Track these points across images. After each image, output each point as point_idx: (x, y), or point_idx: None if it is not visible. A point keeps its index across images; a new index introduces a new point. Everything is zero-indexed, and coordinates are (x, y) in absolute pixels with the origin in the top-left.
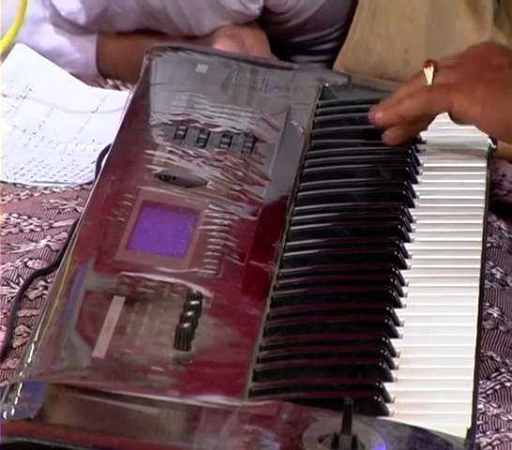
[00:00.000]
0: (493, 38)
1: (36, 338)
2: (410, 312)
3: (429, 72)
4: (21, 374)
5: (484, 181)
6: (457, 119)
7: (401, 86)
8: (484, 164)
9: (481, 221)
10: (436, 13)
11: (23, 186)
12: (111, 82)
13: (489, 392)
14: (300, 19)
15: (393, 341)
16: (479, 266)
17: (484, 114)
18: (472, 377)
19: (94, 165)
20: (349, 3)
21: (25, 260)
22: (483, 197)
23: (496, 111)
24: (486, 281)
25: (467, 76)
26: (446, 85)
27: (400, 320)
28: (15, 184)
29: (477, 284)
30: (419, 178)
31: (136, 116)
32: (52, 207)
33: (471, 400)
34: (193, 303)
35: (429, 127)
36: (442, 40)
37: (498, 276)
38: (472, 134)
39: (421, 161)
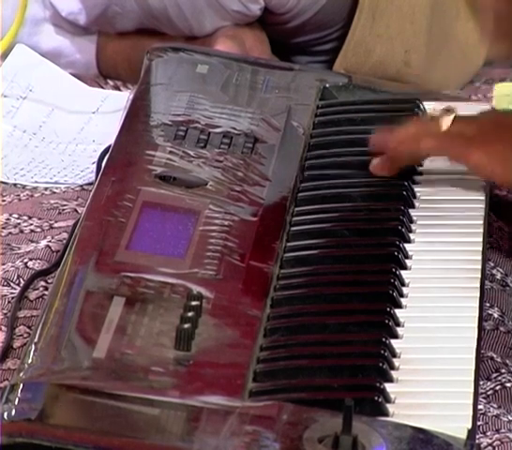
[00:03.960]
0: (493, 46)
1: (36, 339)
2: (410, 313)
3: (447, 119)
4: (21, 375)
5: (484, 182)
6: (473, 171)
7: (415, 123)
8: None
9: (481, 222)
10: (436, 14)
11: (24, 186)
12: (111, 82)
13: (489, 392)
14: (301, 19)
15: (393, 342)
16: (480, 267)
17: (504, 172)
18: (472, 377)
19: (94, 166)
20: (349, 4)
21: (26, 260)
22: (483, 197)
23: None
24: (486, 282)
25: (485, 132)
26: (466, 138)
27: (401, 320)
28: (15, 184)
29: (478, 285)
30: (419, 179)
31: (136, 117)
32: (52, 208)
33: (471, 401)
34: (194, 303)
35: None
36: (442, 41)
37: (498, 276)
38: None
39: (422, 162)
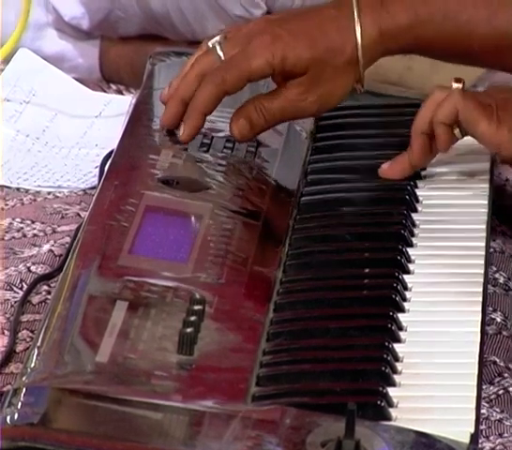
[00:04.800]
0: None
1: (39, 343)
2: (413, 317)
3: (458, 85)
4: (24, 379)
5: (487, 185)
6: (480, 140)
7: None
8: (487, 168)
9: (484, 226)
10: None
11: (27, 190)
12: (114, 86)
13: (492, 397)
14: None
15: (396, 346)
16: (482, 271)
17: (508, 146)
18: (475, 382)
19: (97, 170)
20: None
21: (28, 264)
22: (486, 202)
23: None
24: (489, 286)
25: (497, 101)
26: (477, 104)
27: (404, 324)
28: (18, 188)
29: (481, 289)
30: (422, 183)
31: (139, 121)
32: (55, 212)
33: (474, 405)
34: (196, 308)
35: None
36: None
37: (501, 280)
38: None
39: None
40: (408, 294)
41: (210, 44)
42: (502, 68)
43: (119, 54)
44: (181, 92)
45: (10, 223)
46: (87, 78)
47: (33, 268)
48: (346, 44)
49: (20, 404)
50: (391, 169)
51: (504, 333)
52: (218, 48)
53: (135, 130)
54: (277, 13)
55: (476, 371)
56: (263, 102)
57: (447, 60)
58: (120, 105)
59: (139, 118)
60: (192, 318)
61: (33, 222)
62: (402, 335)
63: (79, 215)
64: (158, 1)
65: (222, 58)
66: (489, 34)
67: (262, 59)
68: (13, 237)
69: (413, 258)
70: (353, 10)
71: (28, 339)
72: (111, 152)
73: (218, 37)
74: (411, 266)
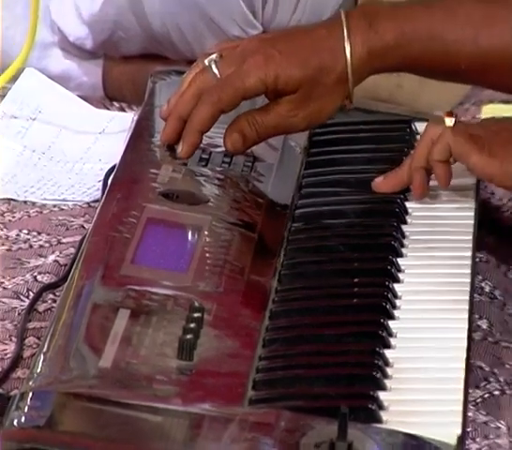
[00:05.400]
0: None
1: (45, 349)
2: (403, 324)
3: (450, 120)
4: (30, 383)
5: (473, 199)
6: (472, 171)
7: (420, 141)
8: (473, 182)
9: (470, 237)
10: None
11: (33, 203)
12: (116, 104)
13: (478, 400)
14: None
15: (386, 352)
16: (469, 280)
17: (502, 170)
18: (462, 386)
19: (100, 183)
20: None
21: (35, 274)
22: (472, 214)
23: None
24: (475, 295)
25: (488, 133)
26: (468, 136)
27: (394, 331)
28: (25, 201)
29: (467, 297)
30: (411, 196)
31: (141, 137)
32: (60, 224)
33: (461, 408)
34: (195, 315)
35: None
36: None
37: (487, 289)
38: None
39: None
40: (398, 302)
41: (206, 62)
42: (488, 86)
43: (122, 73)
44: (179, 109)
45: (17, 234)
46: (91, 96)
47: (39, 277)
48: (336, 63)
49: (26, 408)
50: (384, 183)
51: (490, 339)
52: (213, 66)
53: (137, 146)
54: (270, 32)
55: (463, 376)
56: (256, 117)
57: (434, 78)
58: (122, 122)
59: (140, 134)
60: (192, 325)
61: (39, 234)
62: (393, 341)
63: (83, 226)
64: (158, 21)
65: (218, 76)
66: (475, 53)
67: (255, 78)
68: (20, 248)
69: (402, 267)
70: (343, 31)
71: (34, 346)
72: (113, 166)
73: (213, 56)
74: (401, 276)
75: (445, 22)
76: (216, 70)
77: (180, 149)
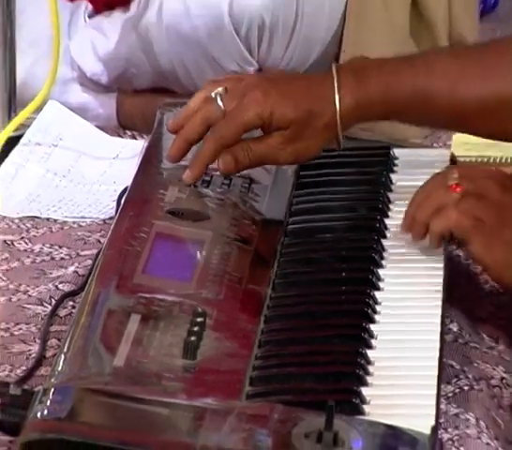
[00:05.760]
0: None
1: (65, 350)
2: (383, 327)
3: (456, 195)
4: (52, 380)
5: None
6: (469, 254)
7: (426, 194)
8: None
9: (442, 248)
10: None
11: (55, 220)
12: (129, 132)
13: (449, 395)
14: None
15: (368, 352)
16: (441, 288)
17: (496, 269)
18: (435, 382)
19: (114, 203)
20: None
21: (56, 283)
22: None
23: (507, 270)
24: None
25: (489, 217)
26: (471, 219)
27: (375, 333)
28: (48, 219)
29: (440, 303)
30: (390, 213)
31: (150, 162)
32: (79, 238)
33: (434, 402)
34: (198, 320)
35: (399, 168)
36: None
37: (456, 295)
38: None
39: (392, 199)
40: (378, 308)
41: (212, 95)
42: (469, 133)
43: (133, 105)
44: (186, 134)
45: (41, 248)
46: (106, 125)
47: (60, 286)
48: (326, 110)
49: (49, 402)
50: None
51: (460, 340)
52: (219, 99)
53: (147, 170)
54: (272, 73)
55: (436, 373)
56: (251, 145)
57: (418, 126)
58: (134, 148)
59: (150, 159)
60: (195, 328)
61: (60, 247)
62: (374, 342)
63: (99, 241)
64: (165, 59)
65: (222, 108)
66: (452, 104)
67: (253, 112)
68: (43, 260)
69: (382, 277)
70: (334, 84)
71: (56, 347)
72: (126, 188)
73: (219, 90)
74: (381, 284)
75: (426, 75)
76: (220, 103)
77: (186, 176)
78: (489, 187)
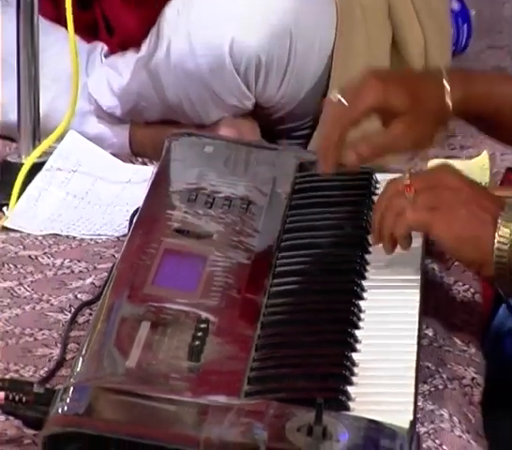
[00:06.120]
0: None
1: (83, 353)
2: (366, 333)
3: (410, 195)
4: (72, 380)
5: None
6: (433, 239)
7: (382, 208)
8: None
9: (419, 262)
10: None
11: (74, 237)
12: (140, 159)
13: (426, 393)
14: (282, 112)
15: (354, 355)
16: (418, 298)
17: (458, 247)
18: (413, 382)
19: (127, 222)
20: (318, 100)
21: (76, 293)
22: (419, 245)
23: (468, 247)
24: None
25: (443, 204)
26: (428, 211)
27: (359, 338)
28: (68, 236)
29: (417, 311)
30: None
31: (159, 185)
32: (95, 254)
33: (412, 399)
34: (202, 326)
35: (381, 190)
36: None
37: (432, 303)
38: None
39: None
40: (362, 315)
41: (406, 197)
42: None
43: (144, 135)
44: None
45: (62, 262)
46: (120, 153)
47: (79, 296)
48: (438, 98)
49: (68, 399)
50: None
51: (435, 344)
52: (409, 197)
53: (156, 192)
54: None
55: (414, 374)
56: (371, 137)
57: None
58: (145, 173)
59: (159, 183)
60: (199, 334)
61: (79, 261)
62: (358, 346)
63: (114, 256)
64: (173, 94)
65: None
66: None
67: (372, 97)
68: (64, 273)
69: (366, 287)
70: (443, 74)
71: (75, 350)
72: (137, 208)
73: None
74: (364, 294)
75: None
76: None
77: (321, 169)
78: (438, 177)
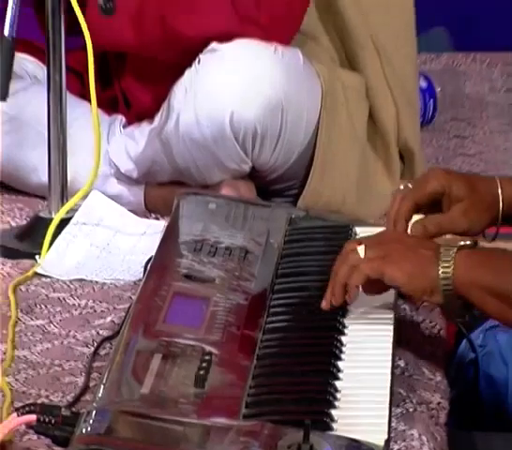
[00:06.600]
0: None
1: (104, 381)
2: (347, 363)
3: (361, 249)
4: (94, 404)
5: None
6: (388, 282)
7: (339, 263)
8: None
9: (392, 303)
10: (363, 172)
11: (97, 282)
12: (153, 215)
13: (398, 415)
14: (275, 174)
15: (336, 382)
16: (392, 333)
17: (409, 282)
18: (387, 405)
19: (142, 268)
20: (306, 165)
21: (98, 330)
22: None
23: (418, 279)
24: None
25: (393, 252)
26: (379, 259)
27: (341, 368)
28: (91, 281)
29: (390, 345)
30: None
31: (170, 237)
32: (115, 296)
33: (387, 421)
34: (206, 358)
35: None
36: (366, 190)
37: (403, 338)
38: None
39: None
40: (344, 348)
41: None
42: None
43: (157, 194)
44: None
45: (86, 303)
46: (136, 209)
47: (101, 332)
48: (492, 193)
49: (91, 421)
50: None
51: (406, 373)
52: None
53: (167, 243)
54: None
55: (388, 398)
56: (435, 217)
57: None
58: (157, 227)
59: (169, 235)
60: (204, 364)
61: (101, 302)
62: (340, 375)
63: (130, 297)
64: (181, 160)
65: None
66: None
67: (437, 182)
68: (88, 312)
69: (347, 324)
70: (497, 180)
71: (97, 379)
72: (151, 257)
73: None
74: (345, 330)
75: None
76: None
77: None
78: (382, 235)
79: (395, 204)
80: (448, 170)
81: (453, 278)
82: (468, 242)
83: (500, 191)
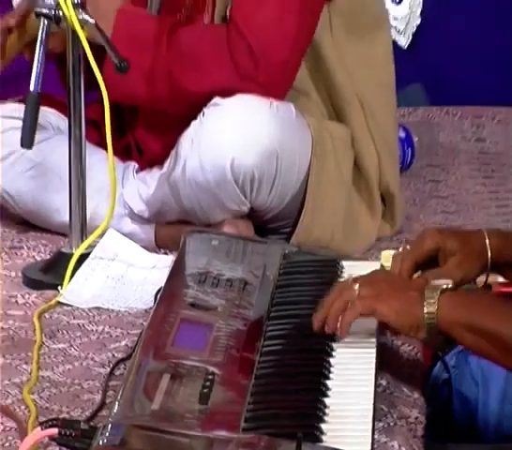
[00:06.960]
0: (381, 228)
1: (119, 398)
2: (335, 382)
3: (355, 287)
4: (109, 419)
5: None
6: (378, 318)
7: (334, 297)
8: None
9: (375, 328)
10: (349, 212)
11: (112, 310)
12: (163, 250)
13: (380, 428)
14: (271, 215)
15: (325, 399)
16: (375, 355)
17: (398, 319)
18: (371, 420)
19: (152, 298)
20: (298, 206)
21: (113, 352)
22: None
23: (405, 317)
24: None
25: (383, 291)
26: (371, 297)
27: (330, 387)
28: (108, 309)
29: (374, 366)
30: None
31: (177, 270)
32: (129, 322)
33: (370, 434)
34: (210, 377)
35: (345, 273)
36: (353, 228)
37: (385, 360)
38: None
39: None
40: (332, 369)
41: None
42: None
43: (166, 232)
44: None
45: (103, 329)
46: (147, 245)
47: (116, 354)
48: (480, 245)
49: (107, 434)
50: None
51: (387, 391)
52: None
53: (175, 275)
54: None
55: (371, 414)
56: (435, 271)
57: None
58: (166, 261)
59: (177, 269)
60: (207, 383)
61: (116, 328)
62: (329, 393)
63: (142, 324)
64: (188, 201)
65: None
66: None
67: (432, 241)
68: (104, 337)
69: (334, 348)
70: (484, 231)
71: (112, 396)
72: (160, 288)
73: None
74: (333, 353)
75: None
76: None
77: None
78: (374, 276)
79: (396, 265)
80: (440, 228)
81: (437, 317)
82: (450, 285)
83: (487, 242)
